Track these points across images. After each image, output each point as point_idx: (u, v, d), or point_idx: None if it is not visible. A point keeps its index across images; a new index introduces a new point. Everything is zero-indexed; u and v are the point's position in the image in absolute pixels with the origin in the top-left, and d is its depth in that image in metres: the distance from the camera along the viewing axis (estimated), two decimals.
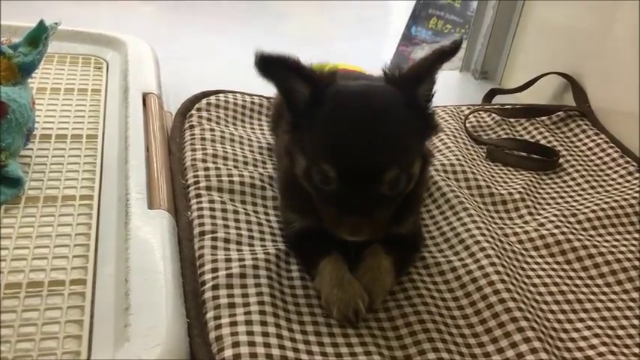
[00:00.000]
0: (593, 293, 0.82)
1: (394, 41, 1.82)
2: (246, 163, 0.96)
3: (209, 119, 1.05)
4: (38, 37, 0.92)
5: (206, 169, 0.90)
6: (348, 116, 0.66)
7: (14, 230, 0.77)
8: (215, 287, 0.70)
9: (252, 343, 0.63)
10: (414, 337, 0.70)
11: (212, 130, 1.01)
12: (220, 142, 0.99)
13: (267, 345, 0.64)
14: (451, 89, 1.49)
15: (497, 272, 0.79)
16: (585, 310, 0.79)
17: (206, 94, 1.13)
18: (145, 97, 1.07)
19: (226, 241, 0.78)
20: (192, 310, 0.68)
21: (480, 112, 1.25)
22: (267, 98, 1.16)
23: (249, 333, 0.65)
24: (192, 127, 1.02)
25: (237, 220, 0.83)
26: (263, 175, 0.93)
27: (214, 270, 0.73)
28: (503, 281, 0.77)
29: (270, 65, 0.66)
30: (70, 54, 1.20)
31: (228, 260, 0.74)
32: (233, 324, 0.65)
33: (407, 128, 0.68)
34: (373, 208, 0.65)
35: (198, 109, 1.07)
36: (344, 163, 0.64)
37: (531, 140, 1.17)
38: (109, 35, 1.24)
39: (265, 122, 1.11)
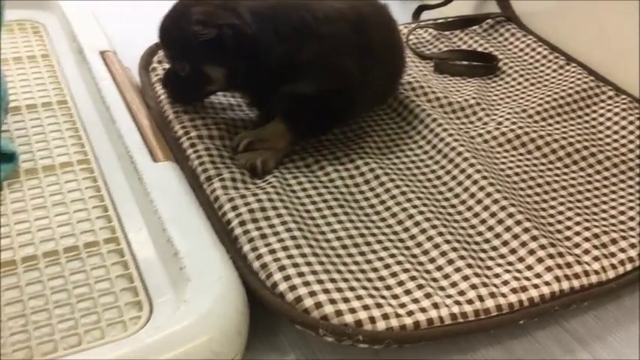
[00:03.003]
0: (557, 175, 0.94)
1: None
2: (223, 108, 1.00)
3: None
4: None
5: (192, 119, 0.93)
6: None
7: (26, 203, 0.78)
8: (242, 223, 0.75)
9: (295, 265, 0.70)
10: (426, 234, 0.79)
11: None
12: None
13: (309, 264, 0.70)
14: None
15: (478, 171, 0.88)
16: (554, 190, 0.90)
17: (159, 45, 1.12)
18: (102, 56, 1.06)
19: (233, 180, 0.83)
20: (228, 247, 0.72)
21: (417, 30, 1.33)
22: None
23: (290, 257, 0.71)
24: (160, 80, 1.03)
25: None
26: (245, 119, 0.97)
27: (234, 208, 0.77)
28: (484, 177, 0.87)
29: None
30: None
31: (243, 197, 0.79)
32: (272, 252, 0.71)
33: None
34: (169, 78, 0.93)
35: (160, 62, 1.07)
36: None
37: (470, 49, 1.27)
38: None
39: None
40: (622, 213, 0.87)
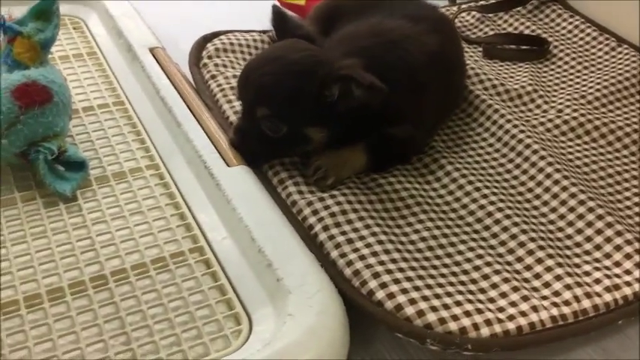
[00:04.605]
0: (625, 164, 0.93)
1: None
2: None
3: (225, 66, 1.04)
4: (47, 9, 0.87)
5: None
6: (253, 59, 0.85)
7: (102, 213, 0.77)
8: (326, 228, 0.74)
9: (389, 271, 0.69)
10: (508, 232, 0.78)
11: (235, 76, 1.00)
12: None
13: (401, 270, 0.70)
14: None
15: (550, 163, 0.87)
16: (626, 180, 0.89)
17: (207, 39, 1.11)
18: (152, 52, 1.03)
19: (307, 183, 0.82)
20: (315, 254, 0.71)
21: (462, 14, 1.30)
22: (264, 32, 1.16)
23: (381, 263, 0.70)
24: (213, 77, 1.01)
25: (303, 162, 0.85)
26: None
27: (315, 212, 0.76)
28: (557, 170, 0.86)
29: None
30: None
31: (322, 200, 0.78)
32: (362, 258, 0.70)
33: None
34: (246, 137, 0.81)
35: (210, 57, 1.05)
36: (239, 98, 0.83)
37: (518, 33, 1.24)
38: None
39: None
40: None
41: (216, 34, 1.12)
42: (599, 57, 1.17)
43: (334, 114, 0.76)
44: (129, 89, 0.98)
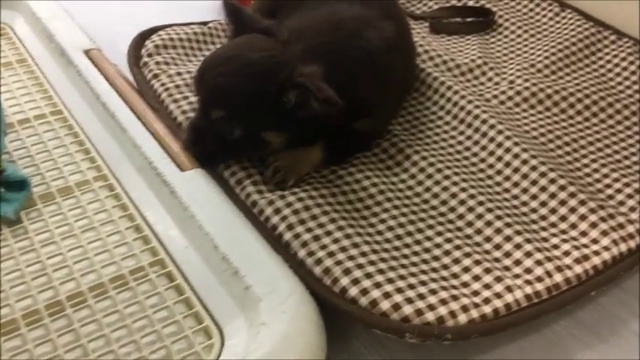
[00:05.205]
0: (580, 130, 0.93)
1: None
2: None
3: (167, 63, 0.99)
4: None
5: None
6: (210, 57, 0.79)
7: (51, 233, 0.72)
8: (290, 227, 0.71)
9: (360, 266, 0.67)
10: (474, 212, 0.77)
11: (179, 73, 0.96)
12: None
13: (372, 263, 0.68)
14: None
15: (507, 137, 0.86)
16: (583, 147, 0.90)
17: (144, 36, 1.05)
18: (88, 55, 0.98)
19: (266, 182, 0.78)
20: (282, 254, 0.69)
21: None
22: (205, 24, 1.11)
23: (351, 258, 0.68)
24: (156, 76, 0.96)
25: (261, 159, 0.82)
26: None
27: (277, 211, 0.73)
28: (516, 144, 0.85)
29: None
30: None
31: (283, 198, 0.75)
32: (331, 254, 0.68)
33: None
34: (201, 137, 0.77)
35: (150, 55, 1.00)
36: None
37: (462, 5, 1.23)
38: None
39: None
40: None
41: (154, 30, 1.07)
42: (544, 23, 1.17)
43: (293, 119, 0.73)
44: (66, 96, 0.93)
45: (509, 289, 0.66)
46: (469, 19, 1.19)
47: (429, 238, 0.74)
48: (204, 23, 1.11)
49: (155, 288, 0.66)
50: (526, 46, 1.12)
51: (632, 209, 0.78)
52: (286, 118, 0.73)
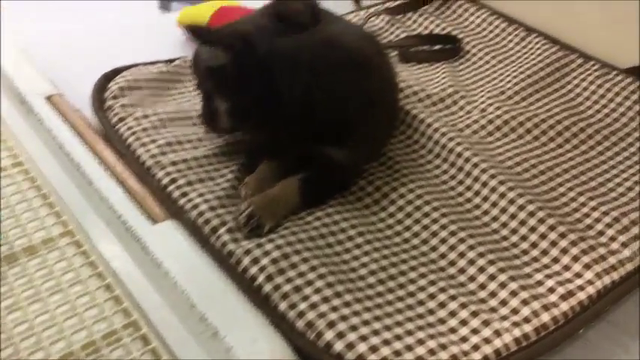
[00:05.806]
0: (554, 158, 0.93)
1: None
2: (200, 139, 0.91)
3: (132, 105, 0.96)
4: None
5: (173, 163, 0.84)
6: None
7: (17, 298, 0.68)
8: (269, 278, 0.69)
9: (344, 317, 0.65)
10: (456, 250, 0.75)
11: (145, 116, 0.93)
12: (163, 127, 0.92)
13: (356, 313, 0.65)
14: None
15: (483, 170, 0.85)
16: (558, 175, 0.89)
17: (108, 78, 1.02)
18: (49, 101, 0.94)
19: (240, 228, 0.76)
20: (262, 308, 0.66)
21: (371, 18, 1.27)
22: (171, 61, 1.09)
23: (334, 309, 0.66)
24: (122, 119, 0.93)
25: (235, 204, 0.80)
26: (222, 145, 0.90)
27: (255, 261, 0.71)
28: (492, 176, 0.84)
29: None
30: None
31: (260, 246, 0.73)
32: (313, 306, 0.66)
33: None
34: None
35: (115, 98, 0.97)
36: None
37: (428, 33, 1.23)
38: None
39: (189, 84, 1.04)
40: (630, 189, 0.86)
41: (117, 71, 1.04)
42: (511, 49, 1.18)
43: (233, 84, 0.78)
44: (28, 147, 0.89)
45: (497, 333, 0.65)
46: (437, 47, 1.19)
47: (412, 281, 0.72)
48: (171, 61, 1.09)
49: (130, 353, 0.63)
50: (495, 72, 1.12)
51: (612, 239, 0.77)
52: (227, 85, 0.78)
